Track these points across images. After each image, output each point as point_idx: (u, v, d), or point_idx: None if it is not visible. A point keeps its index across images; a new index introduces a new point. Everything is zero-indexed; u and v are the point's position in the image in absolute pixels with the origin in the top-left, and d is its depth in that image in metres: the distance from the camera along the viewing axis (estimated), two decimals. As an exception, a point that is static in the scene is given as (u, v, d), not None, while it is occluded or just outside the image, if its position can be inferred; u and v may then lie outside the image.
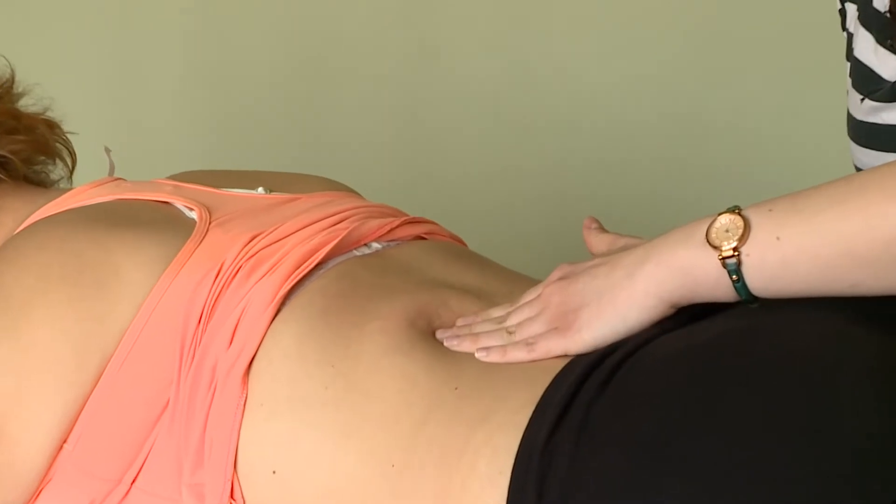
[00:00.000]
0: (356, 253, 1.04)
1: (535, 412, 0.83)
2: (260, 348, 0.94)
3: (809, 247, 0.80)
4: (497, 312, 0.96)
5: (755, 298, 0.84)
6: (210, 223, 1.05)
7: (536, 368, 0.88)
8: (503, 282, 1.03)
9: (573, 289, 0.91)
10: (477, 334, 0.93)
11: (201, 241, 1.02)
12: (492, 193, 2.06)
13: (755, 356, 0.79)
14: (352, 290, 0.98)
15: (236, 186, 1.15)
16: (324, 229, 1.05)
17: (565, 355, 0.89)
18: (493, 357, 0.91)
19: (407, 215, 1.15)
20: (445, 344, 0.93)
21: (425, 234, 1.14)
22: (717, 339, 0.82)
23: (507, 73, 2.04)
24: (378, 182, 1.71)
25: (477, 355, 0.91)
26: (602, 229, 1.02)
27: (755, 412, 0.75)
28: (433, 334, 0.96)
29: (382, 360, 0.91)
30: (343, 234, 1.04)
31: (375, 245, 1.08)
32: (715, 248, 0.83)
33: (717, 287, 0.84)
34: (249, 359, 0.94)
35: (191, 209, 1.09)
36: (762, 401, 0.76)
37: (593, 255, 0.99)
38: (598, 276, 0.89)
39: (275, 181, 1.17)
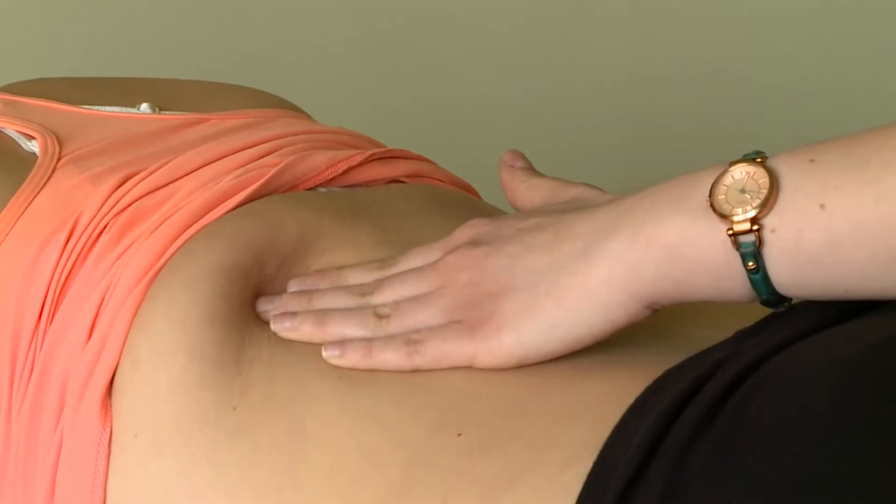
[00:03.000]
0: None
1: (596, 466, 0.67)
2: (125, 345, 0.81)
3: (873, 219, 0.68)
4: (358, 276, 0.82)
5: (782, 299, 0.72)
6: (60, 158, 0.92)
7: (598, 389, 0.73)
8: None
9: (493, 264, 0.77)
10: (323, 313, 0.79)
11: (44, 187, 0.90)
12: (521, 117, 1.79)
13: None
14: (261, 235, 0.85)
15: (105, 102, 1.01)
16: (239, 166, 0.90)
17: (472, 366, 0.75)
18: (350, 359, 0.76)
19: (381, 146, 0.98)
20: (273, 327, 0.79)
21: (407, 175, 0.97)
22: (889, 346, 0.66)
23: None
24: (343, 96, 1.54)
25: (324, 354, 0.77)
26: (532, 170, 0.87)
27: None
28: None
29: (314, 375, 0.78)
30: (269, 175, 0.88)
31: (324, 192, 0.95)
32: (723, 216, 0.70)
33: (723, 279, 0.71)
34: (114, 364, 0.80)
35: (30, 137, 0.96)
36: None
37: (520, 211, 0.87)
38: (533, 249, 0.76)
39: (169, 94, 1.04)
